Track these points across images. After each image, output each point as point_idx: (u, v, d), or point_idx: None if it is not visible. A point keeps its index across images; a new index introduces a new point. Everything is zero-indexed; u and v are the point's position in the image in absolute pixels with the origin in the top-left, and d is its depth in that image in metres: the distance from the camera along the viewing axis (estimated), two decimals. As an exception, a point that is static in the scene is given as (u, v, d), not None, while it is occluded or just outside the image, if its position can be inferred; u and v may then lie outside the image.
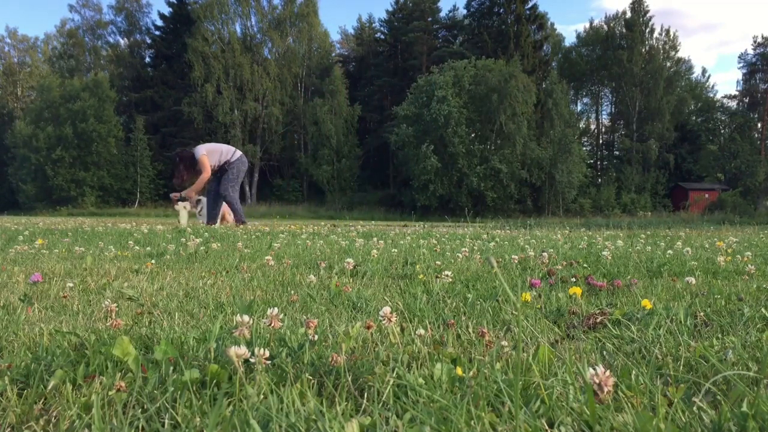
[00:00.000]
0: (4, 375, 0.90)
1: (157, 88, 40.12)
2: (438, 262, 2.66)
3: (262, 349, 0.86)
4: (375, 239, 4.39)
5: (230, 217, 7.83)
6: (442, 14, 44.37)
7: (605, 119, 45.03)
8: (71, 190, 34.26)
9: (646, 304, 1.46)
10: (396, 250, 3.29)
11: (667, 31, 40.92)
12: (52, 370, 0.92)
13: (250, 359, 0.85)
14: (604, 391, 0.71)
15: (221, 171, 7.58)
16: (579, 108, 44.69)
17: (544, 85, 35.90)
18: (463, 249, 3.29)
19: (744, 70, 45.02)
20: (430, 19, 43.34)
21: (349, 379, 0.90)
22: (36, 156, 34.29)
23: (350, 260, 2.36)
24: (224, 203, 7.67)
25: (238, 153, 7.70)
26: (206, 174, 7.34)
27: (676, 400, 0.80)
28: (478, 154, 31.48)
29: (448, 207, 30.14)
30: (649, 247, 3.73)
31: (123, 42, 44.56)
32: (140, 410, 0.80)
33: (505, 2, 36.58)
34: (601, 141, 45.35)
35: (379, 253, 3.09)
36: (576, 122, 40.34)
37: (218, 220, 7.64)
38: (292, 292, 1.86)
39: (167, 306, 1.61)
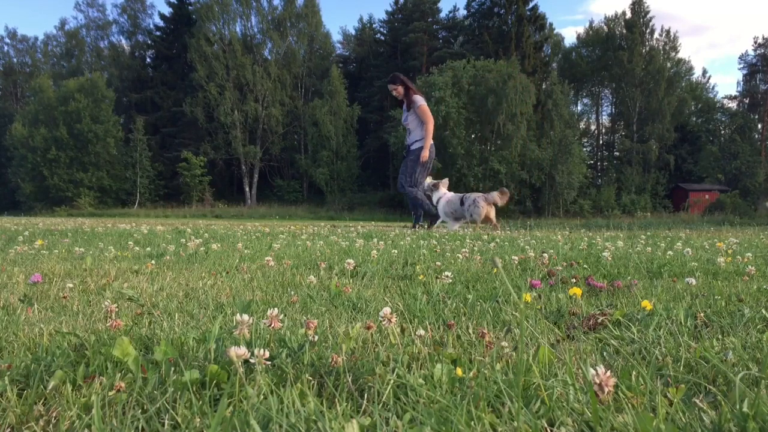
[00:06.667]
0: (4, 375, 0.90)
1: (157, 88, 40.18)
2: (438, 263, 2.66)
3: (262, 350, 0.86)
4: (375, 240, 4.39)
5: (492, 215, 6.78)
6: (443, 15, 44.40)
7: (605, 120, 45.11)
8: (68, 191, 34.27)
9: (647, 304, 1.46)
10: (396, 251, 3.28)
11: (668, 32, 41.00)
12: (52, 371, 0.92)
13: (250, 360, 0.85)
14: (605, 392, 0.71)
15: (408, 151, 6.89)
16: (579, 109, 44.76)
17: (544, 86, 35.90)
18: (463, 250, 3.29)
19: (744, 71, 45.10)
20: (430, 19, 43.34)
21: (349, 379, 0.90)
22: (33, 155, 34.36)
23: (350, 261, 2.36)
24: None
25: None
26: (431, 124, 6.76)
27: (676, 400, 0.80)
28: (477, 155, 31.49)
29: (448, 208, 30.10)
30: (650, 248, 3.73)
31: (126, 43, 44.63)
32: (140, 411, 0.80)
33: (506, 3, 36.60)
34: (601, 142, 45.39)
35: (379, 254, 3.09)
36: (576, 123, 40.37)
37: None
38: (292, 292, 1.86)
39: (167, 307, 1.61)
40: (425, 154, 6.88)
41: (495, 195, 6.94)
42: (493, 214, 6.98)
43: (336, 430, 0.70)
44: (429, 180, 7.05)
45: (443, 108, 30.11)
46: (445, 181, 7.21)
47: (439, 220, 7.15)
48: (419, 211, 7.08)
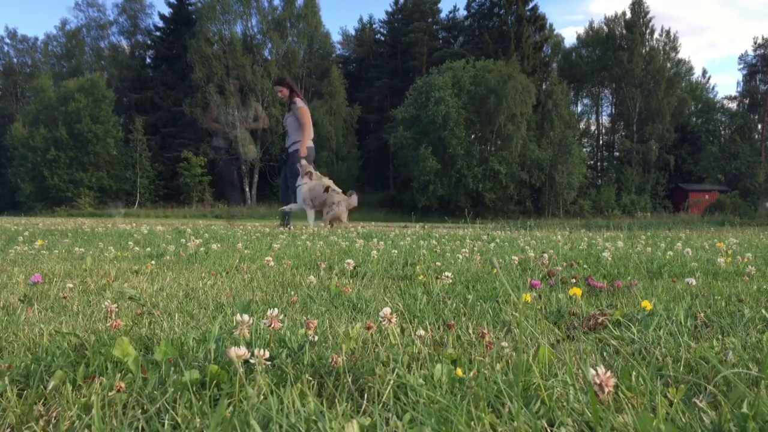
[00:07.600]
0: (4, 375, 0.90)
1: (157, 88, 40.15)
2: (438, 263, 2.66)
3: (262, 350, 0.86)
4: (375, 240, 4.39)
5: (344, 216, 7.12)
6: (443, 15, 44.43)
7: (605, 120, 45.07)
8: (68, 191, 34.26)
9: (647, 305, 1.46)
10: (396, 251, 3.28)
11: (667, 32, 40.98)
12: (52, 371, 0.92)
13: (250, 360, 0.85)
14: (605, 392, 0.71)
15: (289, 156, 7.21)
16: (579, 109, 44.73)
17: (544, 87, 35.89)
18: (463, 250, 3.29)
19: (744, 71, 45.10)
20: (430, 20, 43.36)
21: (349, 379, 0.90)
22: (33, 155, 34.36)
23: (350, 261, 2.36)
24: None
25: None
26: (309, 126, 7.02)
27: (676, 400, 0.80)
28: (477, 155, 31.47)
29: (448, 208, 30.12)
30: (650, 249, 3.73)
31: (125, 43, 44.60)
32: (140, 411, 0.80)
33: (505, 3, 36.60)
34: (601, 142, 45.37)
35: (379, 254, 3.09)
36: (576, 123, 40.36)
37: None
38: (292, 293, 1.86)
39: (167, 307, 1.61)
40: (303, 151, 7.08)
41: (354, 199, 7.32)
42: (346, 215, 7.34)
43: (336, 430, 0.70)
44: (306, 164, 7.10)
45: (443, 108, 30.05)
46: (322, 180, 7.28)
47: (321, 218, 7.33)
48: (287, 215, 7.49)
